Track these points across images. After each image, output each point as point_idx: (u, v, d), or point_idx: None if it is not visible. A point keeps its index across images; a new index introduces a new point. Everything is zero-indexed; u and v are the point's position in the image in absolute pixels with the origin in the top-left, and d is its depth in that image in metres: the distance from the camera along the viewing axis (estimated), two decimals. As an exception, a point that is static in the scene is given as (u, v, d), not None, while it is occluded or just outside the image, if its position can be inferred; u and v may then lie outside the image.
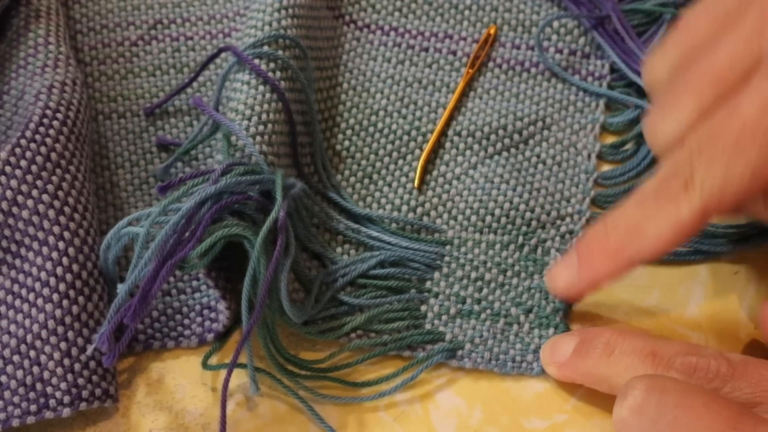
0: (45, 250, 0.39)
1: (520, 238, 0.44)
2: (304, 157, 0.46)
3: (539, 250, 0.44)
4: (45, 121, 0.41)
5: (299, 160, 0.45)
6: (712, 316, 0.43)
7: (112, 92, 0.49)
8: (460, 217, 0.45)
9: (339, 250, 0.44)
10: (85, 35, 0.51)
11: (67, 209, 0.40)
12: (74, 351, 0.38)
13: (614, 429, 0.35)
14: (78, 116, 0.43)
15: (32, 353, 0.38)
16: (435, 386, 0.41)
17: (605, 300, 0.43)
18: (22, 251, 0.39)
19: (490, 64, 0.50)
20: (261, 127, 0.42)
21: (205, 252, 0.36)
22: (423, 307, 0.43)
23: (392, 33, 0.51)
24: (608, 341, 0.37)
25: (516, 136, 0.47)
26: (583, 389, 0.40)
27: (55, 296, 0.38)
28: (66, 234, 0.39)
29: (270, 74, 0.43)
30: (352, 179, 0.47)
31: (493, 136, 0.47)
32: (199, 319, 0.42)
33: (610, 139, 0.48)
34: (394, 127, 0.48)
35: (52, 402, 0.38)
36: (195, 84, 0.49)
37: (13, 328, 0.38)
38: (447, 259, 0.44)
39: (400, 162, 0.47)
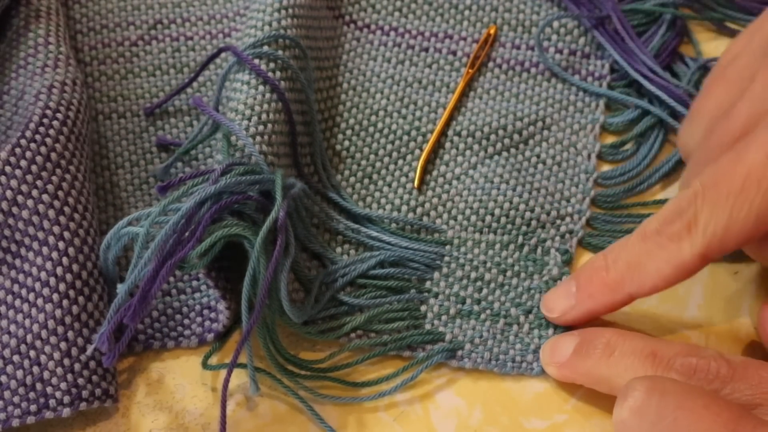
0: (45, 250, 0.39)
1: (520, 238, 0.44)
2: (304, 157, 0.46)
3: (539, 250, 0.44)
4: (45, 121, 0.41)
5: (299, 160, 0.45)
6: (712, 316, 0.43)
7: (112, 92, 0.49)
8: (459, 217, 0.45)
9: (339, 250, 0.44)
10: (85, 35, 0.51)
11: (67, 209, 0.40)
12: (74, 351, 0.38)
13: (614, 430, 0.35)
14: (78, 116, 0.43)
15: (32, 353, 0.38)
16: (435, 386, 0.41)
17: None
18: (22, 251, 0.39)
19: (490, 64, 0.50)
20: (261, 127, 0.42)
21: (205, 252, 0.36)
22: (423, 307, 0.43)
23: (392, 33, 0.51)
24: (608, 342, 0.37)
25: (516, 136, 0.47)
26: (583, 389, 0.40)
27: (55, 296, 0.38)
28: (66, 234, 0.39)
29: (270, 74, 0.43)
30: (352, 179, 0.47)
31: (493, 136, 0.47)
32: (199, 319, 0.42)
33: (610, 139, 0.48)
34: (394, 127, 0.48)
35: (52, 402, 0.38)
36: (195, 84, 0.49)
37: (13, 328, 0.38)
38: (447, 259, 0.44)
39: (400, 162, 0.47)
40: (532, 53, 0.50)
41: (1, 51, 0.46)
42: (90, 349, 0.37)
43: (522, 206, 0.45)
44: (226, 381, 0.38)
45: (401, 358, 0.41)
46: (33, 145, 0.40)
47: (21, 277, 0.39)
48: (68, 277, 0.39)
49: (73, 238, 0.39)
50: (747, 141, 0.36)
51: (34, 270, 0.39)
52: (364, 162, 0.47)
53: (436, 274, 0.43)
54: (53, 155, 0.40)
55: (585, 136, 0.48)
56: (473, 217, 0.45)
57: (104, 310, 0.40)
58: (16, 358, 0.38)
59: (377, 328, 0.42)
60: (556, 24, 0.51)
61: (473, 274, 0.43)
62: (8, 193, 0.39)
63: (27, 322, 0.38)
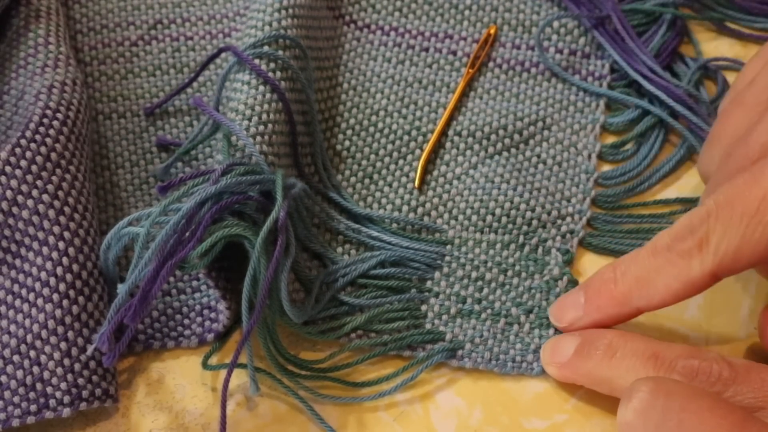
0: (45, 250, 0.39)
1: (521, 238, 0.44)
2: (304, 157, 0.46)
3: (540, 250, 0.44)
4: (45, 121, 0.41)
5: (299, 160, 0.45)
6: (712, 316, 0.43)
7: (112, 92, 0.49)
8: (460, 217, 0.45)
9: (339, 250, 0.44)
10: (85, 35, 0.51)
11: (67, 209, 0.40)
12: (74, 351, 0.38)
13: (618, 431, 0.34)
14: (78, 116, 0.43)
15: (32, 353, 0.38)
16: (435, 386, 0.41)
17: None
18: (22, 251, 0.39)
19: (491, 64, 0.50)
20: (261, 127, 0.42)
21: (206, 252, 0.36)
22: (423, 307, 0.43)
23: (392, 33, 0.51)
24: (610, 343, 0.37)
25: (516, 136, 0.47)
26: (583, 389, 0.40)
27: (55, 296, 0.38)
28: (66, 234, 0.39)
29: (270, 74, 0.43)
30: (353, 179, 0.47)
31: (493, 136, 0.47)
32: (199, 319, 0.42)
33: (610, 139, 0.48)
34: (394, 127, 0.48)
35: (52, 402, 0.38)
36: (195, 84, 0.49)
37: (13, 328, 0.38)
38: (447, 258, 0.44)
39: (401, 162, 0.47)
40: (532, 53, 0.50)
41: (1, 51, 0.46)
42: (90, 349, 0.37)
43: (523, 206, 0.45)
44: (226, 381, 0.38)
45: (401, 357, 0.41)
46: (33, 145, 0.40)
47: (21, 277, 0.39)
48: (68, 277, 0.39)
49: (73, 238, 0.39)
50: (764, 163, 0.35)
51: (34, 270, 0.39)
52: (364, 162, 0.47)
53: (437, 274, 0.43)
54: (53, 155, 0.40)
55: (585, 136, 0.48)
56: (474, 217, 0.45)
57: (104, 310, 0.40)
58: (16, 358, 0.38)
59: (377, 328, 0.42)
60: (556, 24, 0.51)
61: (474, 274, 0.43)
62: (8, 193, 0.39)
63: (27, 322, 0.38)
